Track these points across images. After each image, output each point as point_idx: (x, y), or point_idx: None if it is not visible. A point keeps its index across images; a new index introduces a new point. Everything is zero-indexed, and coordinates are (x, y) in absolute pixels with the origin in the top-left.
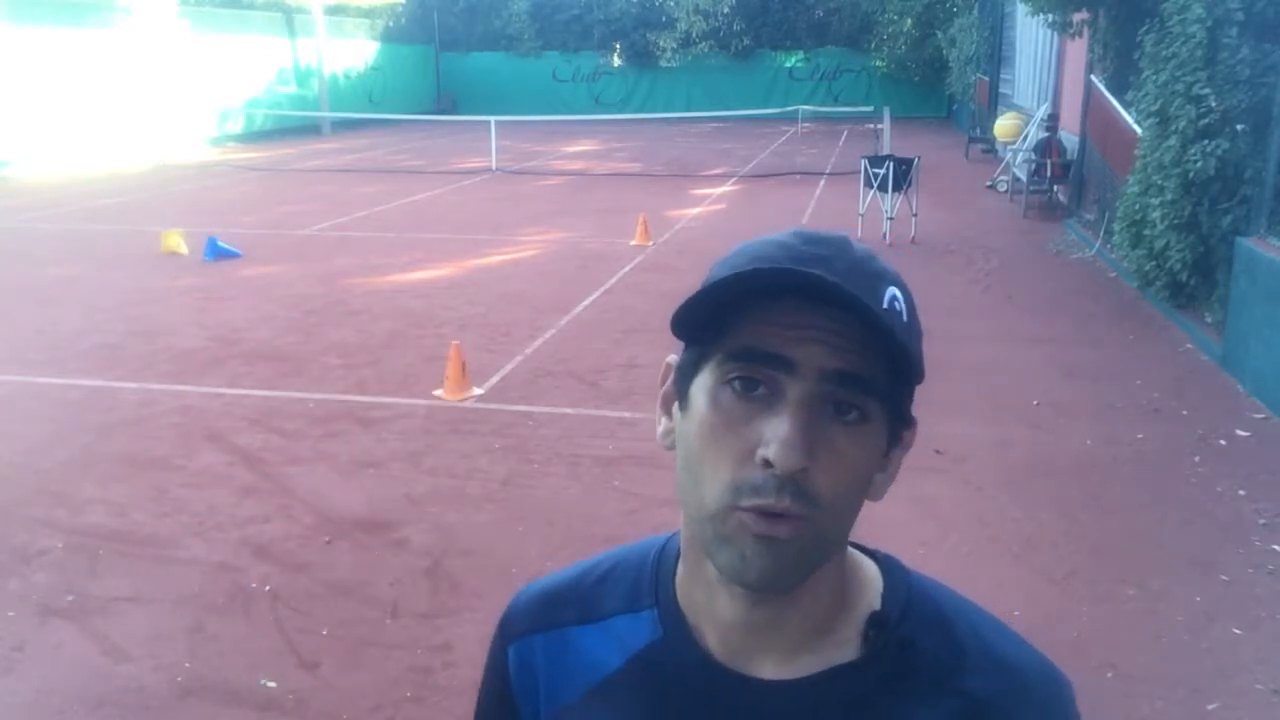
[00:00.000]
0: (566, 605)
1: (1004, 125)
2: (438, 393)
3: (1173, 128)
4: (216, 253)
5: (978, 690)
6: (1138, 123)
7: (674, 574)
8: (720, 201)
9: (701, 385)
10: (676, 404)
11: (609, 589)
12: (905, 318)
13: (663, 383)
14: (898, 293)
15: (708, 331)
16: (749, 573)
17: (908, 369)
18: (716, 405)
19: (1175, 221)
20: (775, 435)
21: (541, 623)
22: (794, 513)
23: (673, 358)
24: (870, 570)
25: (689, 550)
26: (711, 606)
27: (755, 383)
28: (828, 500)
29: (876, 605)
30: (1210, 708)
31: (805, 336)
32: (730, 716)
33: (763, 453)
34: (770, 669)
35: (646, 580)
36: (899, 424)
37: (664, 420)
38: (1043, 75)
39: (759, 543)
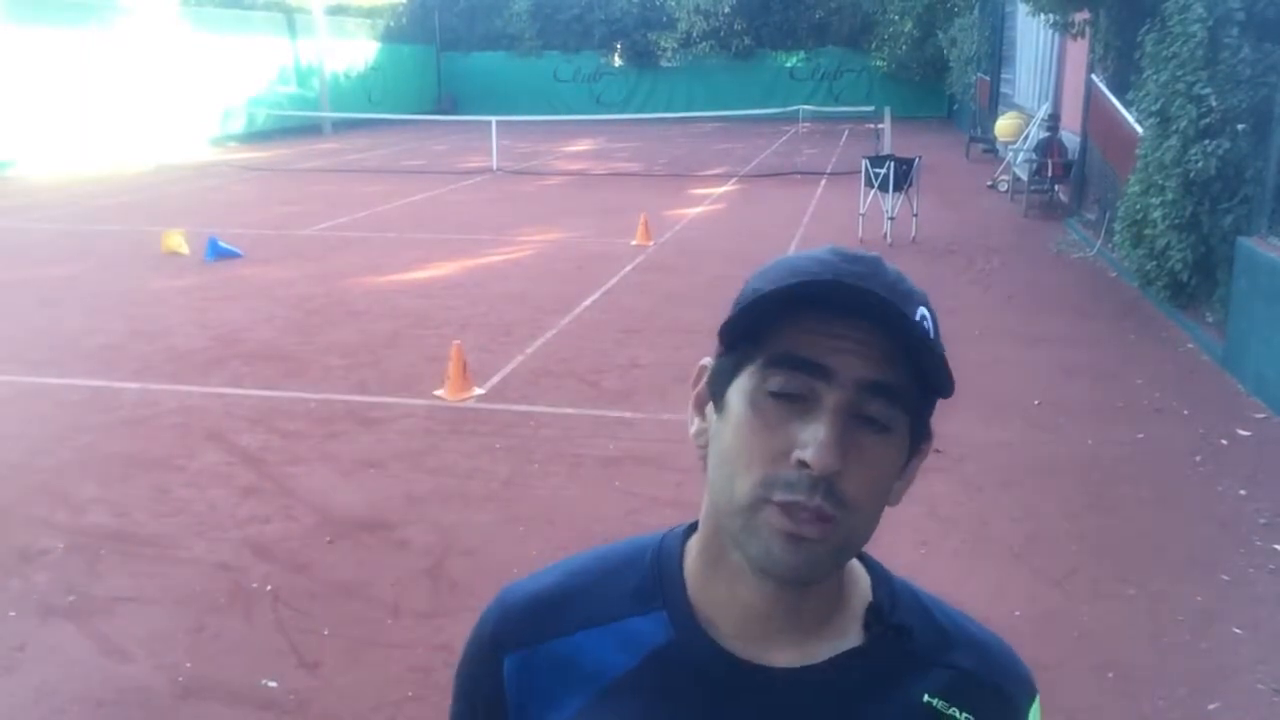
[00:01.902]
0: (568, 610)
1: (1005, 125)
2: (439, 393)
3: (1174, 127)
4: (217, 253)
5: (964, 664)
6: (1139, 122)
7: (679, 573)
8: (721, 201)
9: (739, 388)
10: (710, 405)
11: (610, 591)
12: (932, 335)
13: (695, 384)
14: (927, 312)
15: (747, 338)
16: (775, 567)
17: (937, 383)
18: (755, 408)
19: (1176, 221)
20: (814, 438)
21: (543, 631)
22: (825, 512)
23: (707, 360)
24: (857, 565)
25: (709, 545)
26: (733, 598)
27: (792, 388)
28: (854, 503)
29: (869, 597)
30: (1211, 707)
31: (843, 347)
32: (750, 705)
33: (799, 454)
34: (783, 658)
35: (649, 582)
36: (919, 437)
37: (697, 420)
38: (1043, 75)
39: (787, 540)
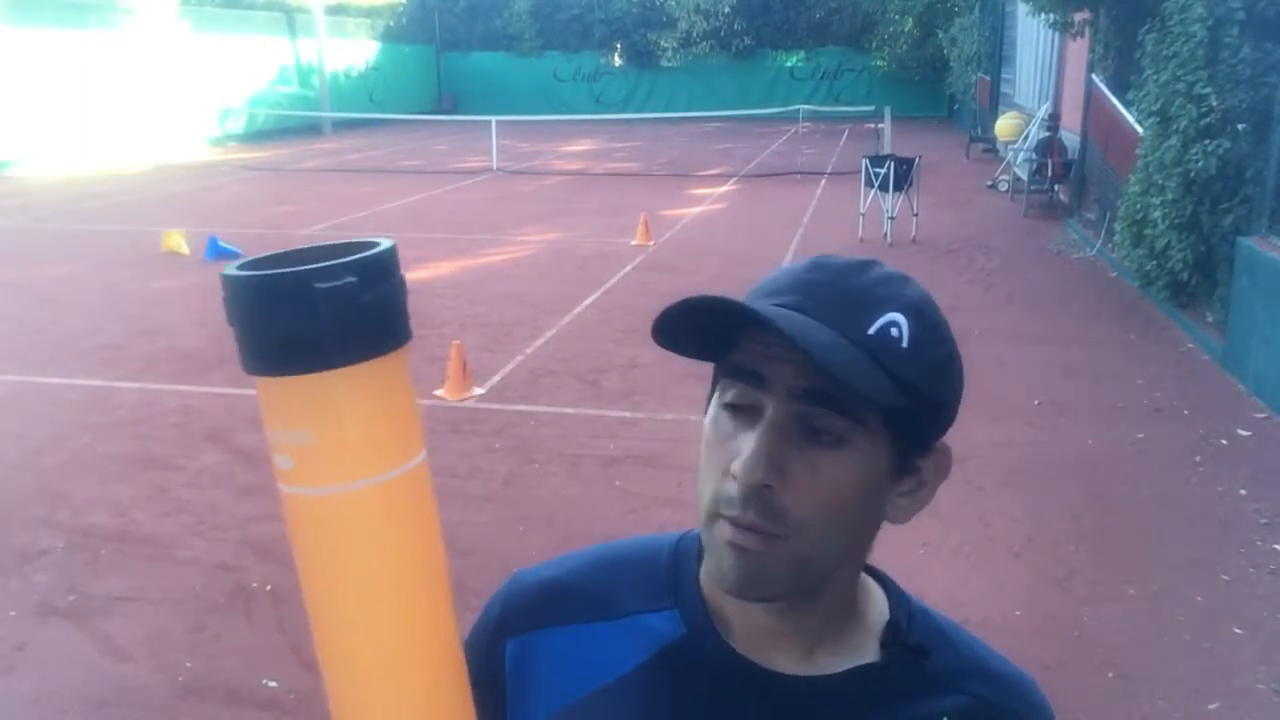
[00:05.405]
0: (576, 601)
1: (1005, 125)
2: (439, 392)
3: (1174, 127)
4: (217, 252)
5: (983, 693)
6: (1139, 122)
7: (695, 573)
8: (721, 201)
9: (713, 402)
10: None
11: (623, 586)
12: (905, 344)
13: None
14: (900, 319)
15: (720, 351)
16: (724, 581)
17: (904, 391)
18: (714, 421)
19: (1176, 221)
20: (742, 450)
21: (548, 618)
22: (760, 527)
23: None
24: (873, 585)
25: None
26: (742, 604)
27: (741, 400)
28: (798, 519)
29: (887, 616)
30: (1211, 707)
31: (777, 355)
32: (760, 707)
33: (731, 466)
34: (795, 668)
35: (663, 579)
36: (910, 451)
37: None
38: (1044, 75)
39: (732, 551)
